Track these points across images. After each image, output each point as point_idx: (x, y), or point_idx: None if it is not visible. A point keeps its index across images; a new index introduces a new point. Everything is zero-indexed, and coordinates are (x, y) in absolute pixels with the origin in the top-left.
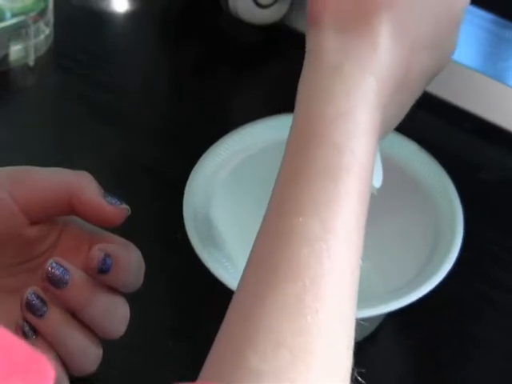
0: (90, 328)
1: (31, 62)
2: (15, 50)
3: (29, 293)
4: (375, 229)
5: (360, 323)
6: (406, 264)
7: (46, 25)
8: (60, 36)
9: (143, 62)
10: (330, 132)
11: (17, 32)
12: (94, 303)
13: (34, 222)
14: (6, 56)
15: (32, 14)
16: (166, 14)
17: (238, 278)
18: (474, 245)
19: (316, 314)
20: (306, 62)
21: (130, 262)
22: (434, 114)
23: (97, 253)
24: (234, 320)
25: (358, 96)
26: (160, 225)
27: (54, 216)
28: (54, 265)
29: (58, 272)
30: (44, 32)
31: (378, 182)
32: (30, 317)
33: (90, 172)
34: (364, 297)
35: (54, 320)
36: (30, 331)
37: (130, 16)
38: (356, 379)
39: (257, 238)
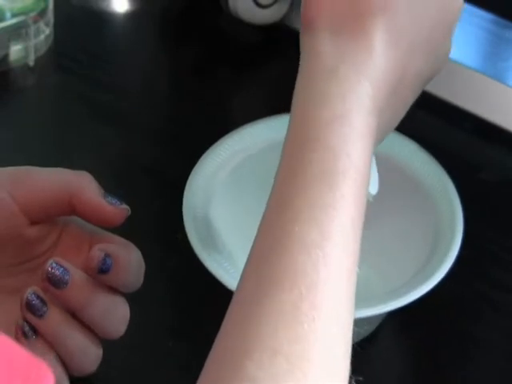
0: (90, 328)
1: (31, 62)
2: (15, 50)
3: (29, 293)
4: (375, 229)
5: (360, 326)
6: (405, 264)
7: (46, 25)
8: (60, 36)
9: (143, 62)
10: (325, 135)
11: (17, 32)
12: (94, 303)
13: (34, 222)
14: (6, 56)
15: (32, 14)
16: (166, 14)
17: (238, 278)
18: (473, 245)
19: (313, 322)
20: (301, 66)
21: (130, 261)
22: (434, 114)
23: (97, 253)
24: (231, 327)
25: (353, 99)
26: (160, 225)
27: (54, 216)
28: (54, 265)
29: (58, 272)
30: (44, 32)
31: (374, 189)
32: (29, 317)
33: (90, 172)
34: (363, 297)
35: (54, 320)
36: (30, 331)
37: (130, 16)
38: None
39: (254, 243)
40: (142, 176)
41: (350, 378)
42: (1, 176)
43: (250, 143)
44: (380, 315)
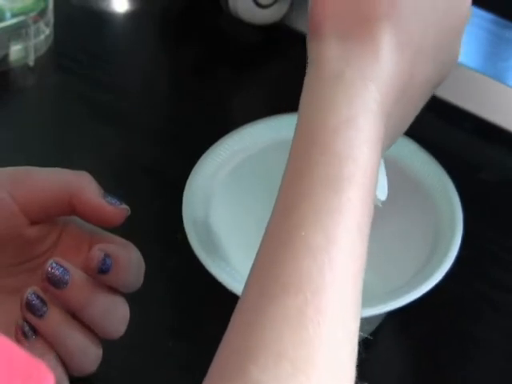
0: (90, 328)
1: (31, 62)
2: (15, 50)
3: (29, 293)
4: (375, 229)
5: (360, 326)
6: (405, 264)
7: (46, 25)
8: (60, 36)
9: (143, 62)
10: (331, 141)
11: (17, 32)
12: (94, 303)
13: (34, 222)
14: (6, 56)
15: (32, 14)
16: (166, 14)
17: (237, 278)
18: (473, 245)
19: (318, 326)
20: (308, 71)
21: (130, 262)
22: (433, 114)
23: (97, 253)
24: (236, 331)
25: (359, 104)
26: (160, 225)
27: (54, 216)
28: (54, 265)
29: (57, 272)
30: (44, 32)
31: (383, 194)
32: (29, 317)
33: (90, 172)
34: (364, 297)
35: (54, 320)
36: (30, 331)
37: (130, 16)
38: None
39: (260, 245)
40: (142, 176)
41: (356, 382)
42: (1, 176)
43: (250, 143)
44: (380, 315)
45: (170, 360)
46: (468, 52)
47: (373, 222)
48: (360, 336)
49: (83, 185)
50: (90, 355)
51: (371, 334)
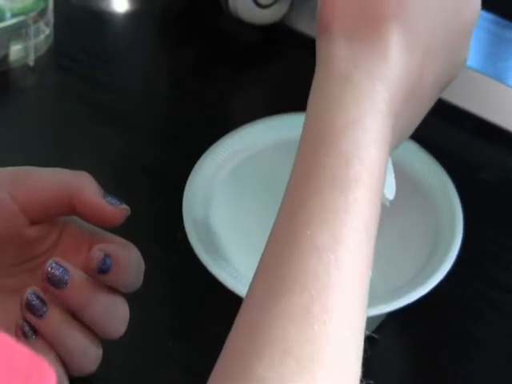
0: (90, 328)
1: (31, 62)
2: (15, 50)
3: (29, 293)
4: None
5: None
6: (405, 264)
7: (46, 25)
8: (60, 36)
9: (143, 62)
10: (338, 141)
11: (17, 32)
12: (94, 303)
13: (34, 222)
14: (6, 56)
15: (32, 14)
16: (166, 14)
17: (238, 278)
18: (473, 245)
19: (324, 325)
20: (316, 70)
21: (130, 262)
22: (434, 114)
23: (97, 253)
24: (241, 330)
25: (367, 104)
26: (160, 225)
27: (54, 216)
28: (54, 265)
29: (57, 272)
30: (44, 32)
31: (391, 193)
32: (29, 317)
33: (90, 172)
34: None
35: (54, 320)
36: (30, 331)
37: (130, 16)
38: None
39: (266, 246)
40: (142, 176)
41: (361, 381)
42: (1, 176)
43: (250, 143)
44: (380, 315)
45: (169, 360)
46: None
47: None
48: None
49: (83, 185)
50: (89, 355)
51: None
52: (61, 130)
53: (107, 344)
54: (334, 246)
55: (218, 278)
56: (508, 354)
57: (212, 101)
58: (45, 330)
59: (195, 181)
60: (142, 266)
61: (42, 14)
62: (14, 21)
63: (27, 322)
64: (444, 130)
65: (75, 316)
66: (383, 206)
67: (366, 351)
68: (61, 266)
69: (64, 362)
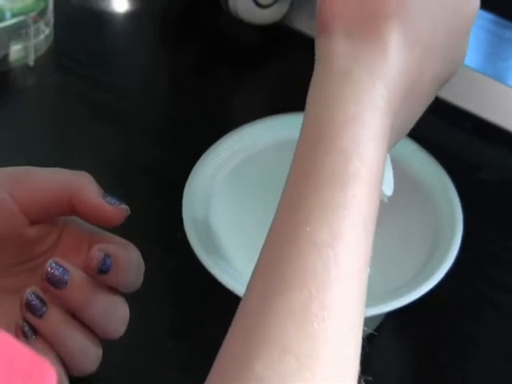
0: (90, 328)
1: (31, 62)
2: (15, 50)
3: (28, 293)
4: (375, 228)
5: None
6: (405, 264)
7: (46, 25)
8: (60, 36)
9: (143, 62)
10: (338, 138)
11: (17, 32)
12: (94, 303)
13: (34, 222)
14: (6, 56)
15: (32, 14)
16: (166, 14)
17: (238, 278)
18: (473, 245)
19: (322, 321)
20: (315, 67)
21: (130, 262)
22: (434, 114)
23: (97, 253)
24: (240, 327)
25: (366, 101)
26: (160, 225)
27: (54, 216)
28: (54, 265)
29: (57, 272)
30: (44, 32)
31: (389, 190)
32: (29, 317)
33: (90, 172)
34: None
35: (54, 320)
36: (30, 331)
37: (130, 16)
38: None
39: (265, 242)
40: (142, 176)
41: (359, 377)
42: (1, 176)
43: (250, 143)
44: (380, 315)
45: (169, 360)
46: (468, 52)
47: None
48: (364, 331)
49: (83, 185)
50: (90, 355)
51: (371, 334)
52: (61, 130)
53: (107, 344)
54: (333, 242)
55: (217, 278)
56: (508, 354)
57: (212, 101)
58: (45, 330)
59: (195, 181)
60: (142, 266)
61: (42, 14)
62: (14, 21)
63: (27, 322)
64: (444, 130)
65: (75, 316)
66: (382, 203)
67: (364, 348)
68: (61, 266)
69: (64, 362)
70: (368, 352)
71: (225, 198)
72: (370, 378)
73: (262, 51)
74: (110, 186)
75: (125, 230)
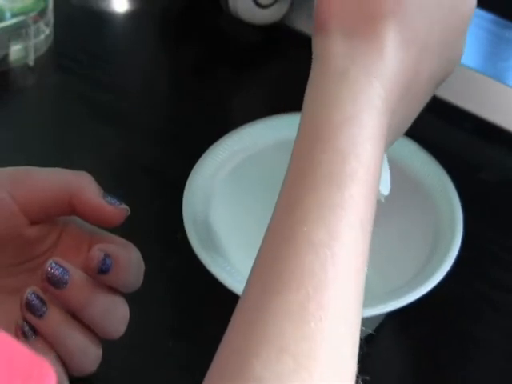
0: (90, 328)
1: (31, 62)
2: (15, 50)
3: (28, 293)
4: (375, 228)
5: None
6: (405, 264)
7: (46, 25)
8: (60, 36)
9: (143, 62)
10: (335, 137)
11: (17, 32)
12: (94, 303)
13: (34, 222)
14: (6, 56)
15: (32, 14)
16: (166, 14)
17: (238, 278)
18: (473, 245)
19: (320, 321)
20: (312, 67)
21: (130, 262)
22: (434, 114)
23: (97, 253)
24: (238, 327)
25: (363, 101)
26: (160, 225)
27: (54, 216)
28: (54, 265)
29: (57, 272)
30: (44, 32)
31: (386, 189)
32: (29, 317)
33: (90, 172)
34: (364, 297)
35: (54, 320)
36: (30, 331)
37: (130, 16)
38: None
39: (263, 242)
40: (142, 176)
41: (357, 377)
42: (1, 176)
43: (250, 143)
44: (380, 315)
45: (169, 360)
46: (468, 52)
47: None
48: (363, 331)
49: (83, 185)
50: (90, 355)
51: (371, 334)
52: (61, 130)
53: (107, 344)
54: (330, 242)
55: (217, 277)
56: (508, 354)
57: (212, 101)
58: (45, 330)
59: (195, 181)
60: (142, 266)
61: (42, 14)
62: (14, 21)
63: (27, 321)
64: (444, 130)
65: (75, 316)
66: (382, 203)
67: (361, 348)
68: (61, 266)
69: (64, 362)
70: (368, 352)
71: (225, 198)
72: (367, 378)
73: (262, 51)
74: (110, 186)
75: (125, 230)
